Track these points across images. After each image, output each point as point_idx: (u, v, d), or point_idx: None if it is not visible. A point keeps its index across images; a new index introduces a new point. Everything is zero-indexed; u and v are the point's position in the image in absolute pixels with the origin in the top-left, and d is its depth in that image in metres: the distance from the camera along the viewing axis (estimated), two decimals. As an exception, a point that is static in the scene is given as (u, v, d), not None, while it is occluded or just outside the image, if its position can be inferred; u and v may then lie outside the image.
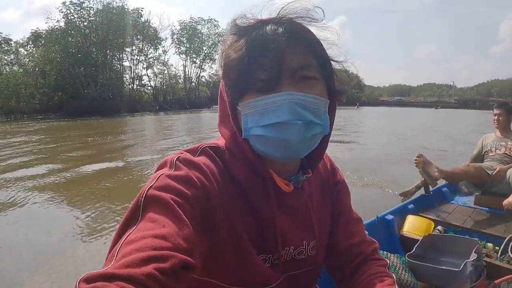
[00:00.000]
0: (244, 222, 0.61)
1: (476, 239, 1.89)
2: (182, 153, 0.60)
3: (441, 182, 2.90)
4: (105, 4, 36.58)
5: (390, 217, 2.19)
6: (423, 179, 2.66)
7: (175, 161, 0.57)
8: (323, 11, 0.60)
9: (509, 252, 1.84)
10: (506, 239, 1.93)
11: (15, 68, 35.63)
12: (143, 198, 0.49)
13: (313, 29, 0.59)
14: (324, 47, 0.61)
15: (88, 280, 0.37)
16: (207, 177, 0.57)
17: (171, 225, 0.46)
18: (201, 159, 0.60)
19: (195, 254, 0.47)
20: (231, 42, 0.60)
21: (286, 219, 0.66)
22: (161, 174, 0.54)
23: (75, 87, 35.33)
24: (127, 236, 0.44)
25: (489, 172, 2.72)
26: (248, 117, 0.59)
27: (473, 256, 1.52)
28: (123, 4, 38.23)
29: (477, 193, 2.78)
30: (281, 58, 0.55)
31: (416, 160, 2.65)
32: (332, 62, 0.63)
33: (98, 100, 32.22)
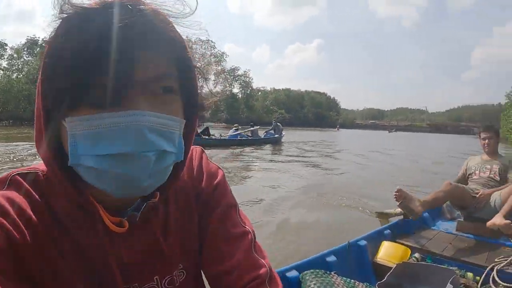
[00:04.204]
0: (73, 267, 0.48)
1: (455, 268, 1.77)
2: None
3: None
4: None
5: (363, 242, 2.05)
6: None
7: None
8: (197, 1, 0.45)
9: (491, 283, 1.67)
10: (488, 268, 1.80)
11: (8, 73, 35.08)
12: None
13: (176, 26, 0.45)
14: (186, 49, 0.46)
15: None
16: (12, 221, 0.42)
17: None
18: (7, 194, 0.45)
19: None
20: (60, 26, 0.41)
21: (126, 255, 0.52)
22: None
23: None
24: None
25: (473, 194, 2.60)
26: (77, 140, 0.41)
27: (449, 287, 1.38)
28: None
29: (460, 219, 2.64)
30: (132, 61, 0.40)
31: (396, 194, 2.43)
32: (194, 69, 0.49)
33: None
